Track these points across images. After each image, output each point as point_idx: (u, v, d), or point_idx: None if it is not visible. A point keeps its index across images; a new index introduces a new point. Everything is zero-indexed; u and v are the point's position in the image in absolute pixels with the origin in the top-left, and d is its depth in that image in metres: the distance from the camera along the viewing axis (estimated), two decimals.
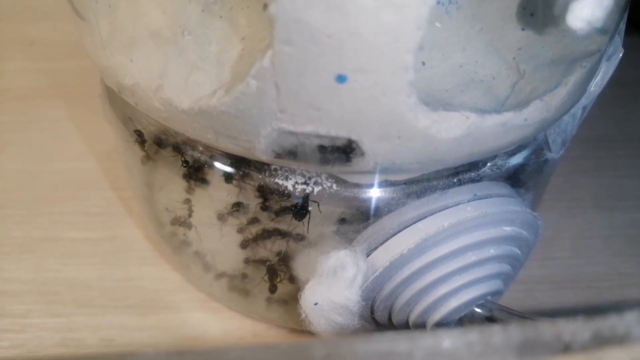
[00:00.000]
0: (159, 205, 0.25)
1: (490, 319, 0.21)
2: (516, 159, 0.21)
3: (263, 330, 0.27)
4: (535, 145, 0.21)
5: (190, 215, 0.23)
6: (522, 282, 0.29)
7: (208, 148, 0.20)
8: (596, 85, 0.21)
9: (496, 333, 0.12)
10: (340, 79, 0.15)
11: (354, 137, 0.17)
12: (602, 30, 0.19)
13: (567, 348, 0.12)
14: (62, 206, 0.32)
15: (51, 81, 0.40)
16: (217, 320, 0.27)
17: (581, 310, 0.28)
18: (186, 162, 0.21)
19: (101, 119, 0.36)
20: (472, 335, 0.12)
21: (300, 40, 0.15)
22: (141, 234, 0.31)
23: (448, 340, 0.12)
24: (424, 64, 0.17)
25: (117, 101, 0.23)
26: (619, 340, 0.11)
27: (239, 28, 0.18)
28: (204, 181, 0.21)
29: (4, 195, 0.33)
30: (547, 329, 0.12)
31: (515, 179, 0.21)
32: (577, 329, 0.12)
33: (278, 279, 0.22)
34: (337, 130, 0.17)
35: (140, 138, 0.22)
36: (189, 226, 0.24)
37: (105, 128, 0.36)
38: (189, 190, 0.22)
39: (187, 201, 0.22)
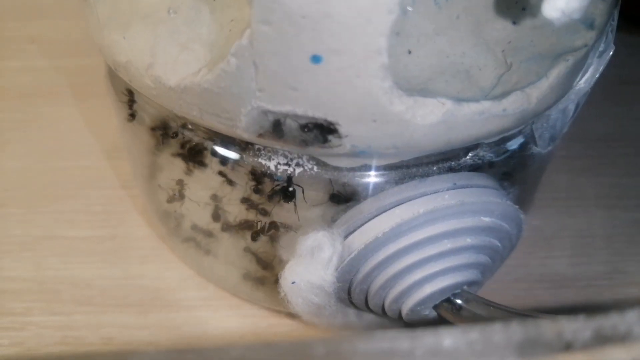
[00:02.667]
0: (157, 186, 0.25)
1: (465, 310, 0.21)
2: (499, 151, 0.21)
3: (264, 329, 0.27)
4: (521, 138, 0.21)
5: (182, 194, 0.24)
6: (523, 281, 0.29)
7: (194, 125, 0.21)
8: (586, 81, 0.21)
9: (497, 332, 0.12)
10: (315, 59, 0.16)
11: (330, 118, 0.17)
12: (589, 25, 0.19)
13: (568, 347, 0.12)
14: (62, 205, 0.32)
15: (52, 80, 0.40)
16: (217, 319, 0.27)
17: (581, 309, 0.28)
18: (175, 134, 0.21)
19: (102, 117, 0.36)
20: (473, 334, 0.12)
21: (276, 20, 0.15)
22: (142, 233, 0.31)
23: (449, 338, 0.12)
24: (410, 52, 0.17)
25: (119, 82, 0.24)
26: (620, 338, 0.11)
27: (229, 9, 0.18)
28: (190, 158, 0.21)
29: (4, 194, 0.33)
30: (548, 328, 0.12)
31: (498, 171, 0.21)
32: (578, 327, 0.12)
33: (262, 229, 0.22)
34: (314, 110, 0.17)
35: (129, 97, 0.23)
36: (182, 204, 0.24)
37: (106, 126, 0.36)
38: (186, 171, 0.22)
39: (180, 182, 0.23)
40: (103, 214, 0.32)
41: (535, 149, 0.22)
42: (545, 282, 0.29)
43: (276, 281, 0.21)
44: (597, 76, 0.21)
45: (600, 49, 0.21)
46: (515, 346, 0.12)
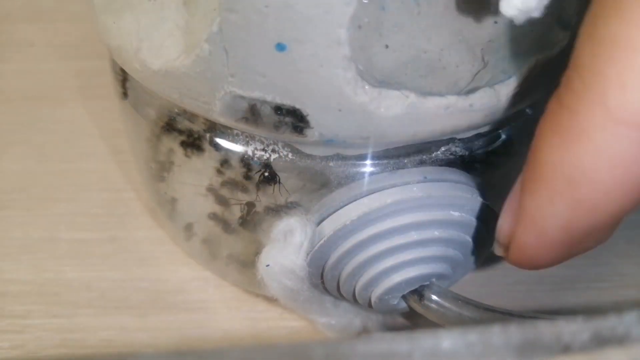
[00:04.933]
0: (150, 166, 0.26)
1: (434, 302, 0.21)
2: (473, 147, 0.21)
3: (263, 331, 0.27)
4: (498, 136, 0.22)
5: (166, 173, 0.24)
6: (522, 283, 0.29)
7: (179, 108, 0.21)
8: None
9: (496, 334, 0.12)
10: (280, 47, 0.16)
11: (298, 105, 0.18)
12: (565, 26, 0.19)
13: (566, 349, 0.12)
14: (62, 207, 0.32)
15: (51, 83, 0.40)
16: (216, 322, 0.27)
17: (581, 311, 0.28)
18: (171, 121, 0.22)
19: (103, 120, 0.36)
20: (472, 336, 0.12)
21: (242, 9, 0.16)
22: (142, 235, 0.31)
23: (448, 340, 0.12)
24: (387, 46, 0.18)
25: (116, 63, 0.24)
26: (618, 340, 0.12)
27: None
28: (168, 130, 0.22)
29: (3, 196, 0.33)
30: (547, 330, 0.12)
31: (473, 167, 0.21)
32: (576, 329, 0.12)
33: (249, 212, 0.23)
34: (283, 98, 0.18)
35: (122, 76, 0.24)
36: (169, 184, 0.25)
37: (107, 129, 0.36)
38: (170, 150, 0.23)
39: (170, 164, 0.24)
40: (103, 217, 0.32)
41: (514, 149, 0.22)
42: (545, 284, 0.29)
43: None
44: None
45: None
46: (514, 348, 0.12)
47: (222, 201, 0.23)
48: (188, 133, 0.22)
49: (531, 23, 0.18)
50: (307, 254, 0.20)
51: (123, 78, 0.24)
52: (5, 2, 0.47)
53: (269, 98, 0.18)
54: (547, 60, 0.19)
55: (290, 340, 0.27)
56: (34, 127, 0.37)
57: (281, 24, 0.16)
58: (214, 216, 0.24)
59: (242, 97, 0.18)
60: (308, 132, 0.18)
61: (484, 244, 0.22)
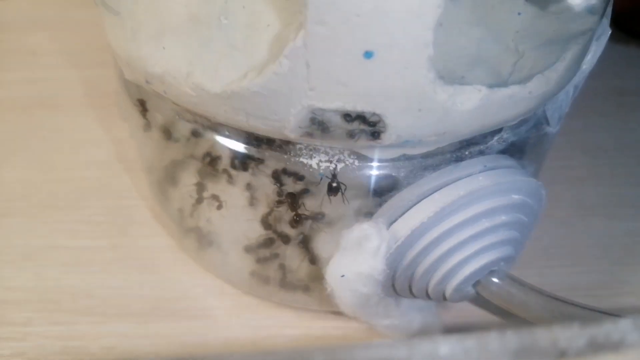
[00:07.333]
0: (176, 193, 0.26)
1: (501, 286, 0.22)
2: (520, 132, 0.22)
3: (263, 339, 0.27)
4: (535, 119, 0.23)
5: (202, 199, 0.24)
6: None
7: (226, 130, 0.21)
8: (587, 63, 0.23)
9: (493, 339, 0.12)
10: (368, 54, 0.17)
11: (378, 111, 0.18)
12: (591, 11, 0.20)
13: (562, 354, 0.12)
14: (63, 215, 0.32)
15: (52, 91, 0.40)
16: (217, 329, 0.27)
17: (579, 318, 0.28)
18: (208, 156, 0.22)
19: (103, 129, 0.37)
20: (469, 342, 0.12)
21: (332, 20, 0.16)
22: (142, 243, 0.31)
23: (445, 346, 0.12)
24: (459, 42, 0.19)
25: (133, 92, 0.24)
26: (613, 346, 0.12)
27: (266, 14, 0.19)
28: (223, 171, 0.22)
29: (5, 204, 0.33)
30: (543, 336, 0.12)
31: (518, 151, 0.22)
32: (572, 335, 0.12)
33: (300, 212, 0.22)
34: (363, 105, 0.18)
35: (142, 107, 0.23)
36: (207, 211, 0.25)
37: (107, 138, 0.36)
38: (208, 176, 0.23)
39: (200, 185, 0.24)
40: (104, 225, 0.32)
41: (548, 129, 0.23)
42: None
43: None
44: (597, 58, 0.23)
45: (598, 32, 0.22)
46: (511, 354, 0.12)
47: (280, 220, 0.23)
48: (233, 155, 0.21)
49: (556, 12, 0.19)
50: (384, 257, 0.20)
51: (142, 109, 0.23)
52: (8, 11, 0.47)
53: (348, 107, 0.18)
54: (584, 44, 0.20)
55: (290, 347, 0.27)
56: (35, 135, 0.37)
57: (371, 31, 0.16)
58: (269, 239, 0.24)
59: (321, 110, 0.18)
60: (385, 135, 0.18)
61: (534, 221, 0.23)
